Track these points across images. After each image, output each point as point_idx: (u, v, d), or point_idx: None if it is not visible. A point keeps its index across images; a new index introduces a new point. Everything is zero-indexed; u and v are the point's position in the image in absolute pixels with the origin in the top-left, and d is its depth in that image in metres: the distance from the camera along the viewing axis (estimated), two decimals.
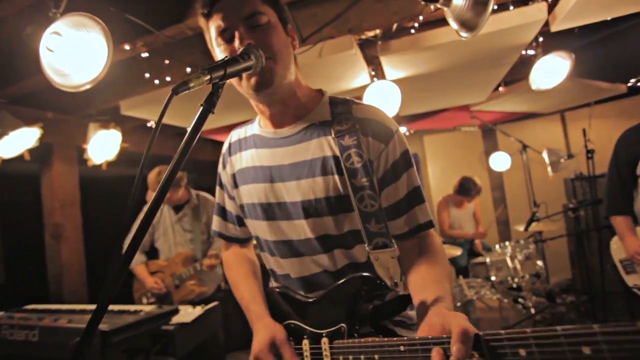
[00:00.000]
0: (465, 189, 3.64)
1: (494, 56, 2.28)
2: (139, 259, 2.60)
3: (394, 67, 2.35)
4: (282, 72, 0.82)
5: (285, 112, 0.88)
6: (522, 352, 0.49)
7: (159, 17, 1.74)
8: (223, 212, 1.07)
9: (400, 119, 3.98)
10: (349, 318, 0.76)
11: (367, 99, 2.40)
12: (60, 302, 2.69)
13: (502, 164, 4.25)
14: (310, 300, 0.86)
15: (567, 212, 3.21)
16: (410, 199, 0.85)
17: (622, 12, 1.73)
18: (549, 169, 3.34)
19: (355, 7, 1.92)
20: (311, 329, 0.81)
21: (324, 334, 0.78)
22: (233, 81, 0.81)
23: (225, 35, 0.81)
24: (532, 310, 2.57)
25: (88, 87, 1.45)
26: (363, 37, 2.12)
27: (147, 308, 1.78)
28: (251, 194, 0.93)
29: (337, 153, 0.83)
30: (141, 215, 2.69)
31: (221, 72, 0.65)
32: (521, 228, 3.28)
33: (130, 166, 3.76)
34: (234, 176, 0.99)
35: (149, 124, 3.27)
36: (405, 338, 0.62)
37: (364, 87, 2.49)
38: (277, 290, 0.95)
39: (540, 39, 2.23)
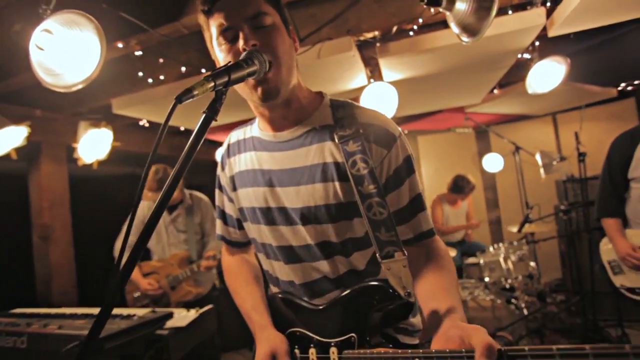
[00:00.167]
0: (459, 186, 3.68)
1: (491, 60, 2.29)
2: None
3: (392, 69, 2.34)
4: (286, 78, 0.80)
5: (286, 115, 0.86)
6: None
7: (153, 15, 1.70)
8: (223, 216, 1.05)
9: (396, 119, 3.96)
10: (359, 328, 0.75)
11: (365, 100, 2.39)
12: (48, 305, 2.63)
13: (495, 165, 4.29)
14: (317, 307, 0.84)
15: (559, 214, 3.26)
16: (413, 206, 0.84)
17: (620, 18, 1.75)
18: (542, 170, 3.39)
19: (354, 8, 1.90)
20: (318, 338, 0.80)
21: (332, 343, 0.77)
22: (236, 87, 0.79)
23: (228, 34, 0.78)
24: (525, 312, 2.60)
25: (80, 87, 1.40)
26: (361, 38, 2.11)
27: (140, 312, 1.74)
28: (250, 197, 0.92)
29: (340, 159, 0.81)
30: (134, 216, 2.66)
31: (225, 79, 0.63)
32: (514, 229, 3.32)
33: (121, 165, 3.69)
34: (232, 178, 0.98)
35: (141, 123, 3.21)
36: (421, 351, 0.60)
37: (361, 89, 2.48)
38: (280, 296, 0.93)
39: (537, 43, 2.24)
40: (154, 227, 0.55)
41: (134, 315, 1.69)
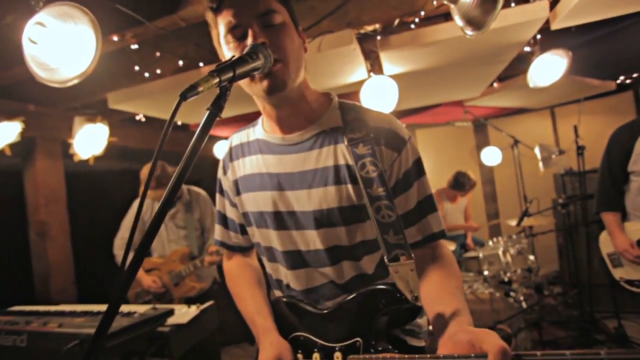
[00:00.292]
0: (460, 183, 3.67)
1: (493, 53, 2.27)
2: (131, 257, 2.54)
3: (393, 63, 2.31)
4: (294, 76, 0.78)
5: (294, 116, 0.85)
6: None
7: (150, 8, 1.65)
8: (224, 221, 1.02)
9: (394, 113, 3.94)
10: (364, 332, 0.74)
11: (364, 94, 2.36)
12: (47, 302, 2.61)
13: (494, 158, 4.29)
14: (321, 311, 0.83)
15: (558, 207, 3.27)
16: (422, 207, 0.83)
17: (624, 11, 1.73)
18: (541, 164, 3.39)
19: (354, 0, 1.86)
20: (322, 342, 0.79)
21: (337, 348, 0.76)
22: (241, 82, 0.76)
23: (236, 32, 0.76)
24: (524, 304, 2.63)
25: (75, 82, 1.37)
26: (362, 31, 2.07)
27: (141, 309, 1.74)
28: (257, 202, 0.89)
29: (351, 162, 0.80)
30: (130, 211, 2.64)
31: (230, 74, 0.61)
32: (512, 223, 3.33)
33: (118, 160, 3.65)
34: (236, 183, 0.95)
35: (137, 118, 3.16)
36: (429, 356, 0.59)
37: (360, 82, 2.45)
38: (284, 300, 0.91)
39: (538, 36, 2.22)
40: (158, 226, 0.54)
41: (135, 312, 1.68)
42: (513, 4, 1.78)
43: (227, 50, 0.79)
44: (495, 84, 3.41)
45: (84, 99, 2.60)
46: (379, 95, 2.38)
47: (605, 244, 2.28)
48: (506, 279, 2.83)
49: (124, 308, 1.79)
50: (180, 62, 2.14)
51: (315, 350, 0.79)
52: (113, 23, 1.72)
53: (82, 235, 3.12)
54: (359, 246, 0.84)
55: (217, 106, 0.60)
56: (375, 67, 2.42)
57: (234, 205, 0.98)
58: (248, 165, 0.92)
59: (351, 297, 0.79)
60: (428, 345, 0.96)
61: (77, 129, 2.63)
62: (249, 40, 0.74)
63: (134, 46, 1.94)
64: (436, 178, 4.77)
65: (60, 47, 1.34)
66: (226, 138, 0.99)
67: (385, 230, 0.74)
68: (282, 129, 0.87)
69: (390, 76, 2.36)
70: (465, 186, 3.69)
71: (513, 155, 3.96)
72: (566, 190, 3.64)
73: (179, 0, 1.65)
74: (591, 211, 2.98)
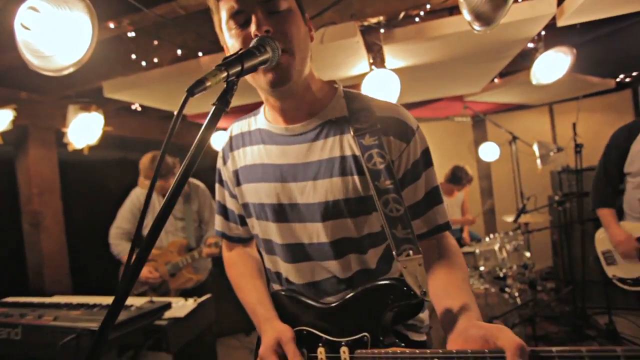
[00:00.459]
0: (457, 177, 3.68)
1: (497, 49, 2.24)
2: (127, 248, 2.52)
3: (395, 56, 2.28)
4: (300, 67, 0.75)
5: (299, 107, 0.82)
6: None
7: None
8: (225, 211, 1.00)
9: None
10: (372, 327, 0.73)
11: (366, 88, 2.33)
12: (41, 293, 2.58)
13: (491, 154, 4.30)
14: (326, 306, 0.81)
15: (555, 205, 3.29)
16: (429, 199, 0.82)
17: (630, 9, 1.71)
18: (539, 161, 3.40)
19: None
20: (327, 337, 0.78)
21: (343, 343, 0.75)
22: (247, 76, 0.74)
23: (239, 18, 0.73)
24: (519, 301, 2.66)
25: (70, 70, 1.32)
26: (365, 23, 2.03)
27: (138, 302, 1.72)
28: (258, 193, 0.87)
29: (357, 152, 0.77)
30: (127, 201, 2.60)
31: (238, 68, 0.59)
32: (508, 219, 3.35)
33: (113, 150, 3.59)
34: (236, 173, 0.93)
35: (133, 107, 3.10)
36: (440, 351, 0.59)
37: (362, 76, 2.41)
38: (283, 293, 0.90)
39: (542, 33, 2.19)
40: (164, 221, 0.53)
41: (132, 305, 1.66)
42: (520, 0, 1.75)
43: (228, 38, 0.76)
44: (496, 80, 3.39)
45: (78, 87, 2.53)
46: (381, 89, 2.35)
47: (601, 242, 2.30)
48: (502, 275, 2.86)
49: None
50: (179, 51, 2.08)
51: (320, 344, 0.78)
52: (109, 9, 1.66)
53: (77, 225, 3.08)
54: (366, 238, 0.83)
55: (223, 101, 0.58)
56: (377, 60, 2.38)
57: (233, 196, 0.96)
58: (249, 156, 0.90)
59: (357, 291, 0.77)
60: (430, 340, 0.96)
61: (71, 118, 2.57)
62: (253, 28, 0.71)
63: (131, 34, 1.88)
64: None
65: (55, 34, 1.29)
66: (224, 129, 0.96)
67: (394, 225, 0.72)
68: (286, 119, 0.84)
69: (392, 70, 2.33)
70: (462, 180, 3.71)
71: (511, 151, 3.96)
72: (562, 188, 3.66)
73: None
74: (587, 209, 3.01)
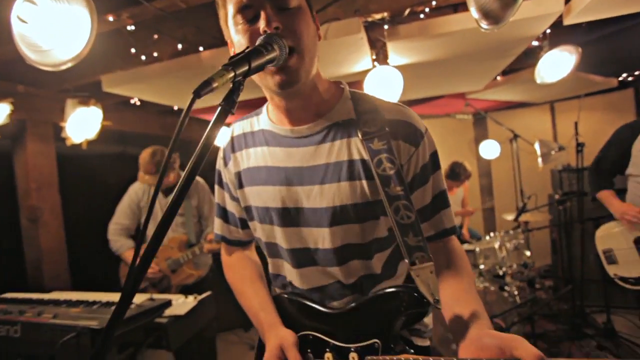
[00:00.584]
0: (456, 173, 3.68)
1: (502, 47, 2.22)
2: (127, 243, 2.51)
3: (399, 53, 2.25)
4: (308, 68, 0.74)
5: (305, 107, 0.80)
6: None
7: None
8: (224, 214, 0.98)
9: None
10: (383, 334, 0.72)
11: (368, 84, 2.30)
12: (40, 289, 2.57)
13: (492, 152, 4.29)
14: (333, 311, 0.80)
15: (556, 204, 3.29)
16: (437, 203, 0.81)
17: (638, 8, 1.69)
18: (540, 160, 3.39)
19: None
20: (335, 342, 0.77)
21: (352, 349, 0.74)
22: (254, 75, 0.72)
23: (247, 13, 0.70)
24: (518, 299, 2.67)
25: (68, 65, 1.29)
26: (369, 19, 2.00)
27: (138, 300, 1.71)
28: (262, 196, 0.85)
29: (366, 157, 0.76)
30: (126, 196, 2.57)
31: (245, 68, 0.58)
32: (508, 217, 3.35)
33: (112, 144, 3.56)
34: (239, 175, 0.90)
35: (132, 101, 3.06)
36: (454, 359, 0.58)
37: (362, 72, 2.39)
38: (286, 297, 0.88)
39: (548, 31, 2.17)
40: (172, 217, 0.52)
41: (132, 303, 1.65)
42: None
43: (234, 33, 0.74)
44: (498, 78, 3.37)
45: (76, 80, 2.50)
46: (383, 87, 2.32)
47: (602, 240, 2.30)
48: (501, 273, 2.86)
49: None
50: (179, 46, 2.05)
51: (327, 350, 0.77)
52: (109, 2, 1.63)
53: (75, 220, 3.06)
54: (372, 243, 0.82)
55: (229, 102, 0.56)
56: (380, 56, 2.35)
57: (234, 198, 0.94)
58: (252, 158, 0.87)
59: (368, 297, 0.77)
60: (433, 346, 0.96)
61: (69, 112, 2.53)
62: (262, 24, 0.69)
63: (131, 27, 1.84)
64: None
65: (53, 27, 1.25)
66: (227, 125, 0.94)
67: (405, 232, 0.71)
68: (291, 120, 0.82)
69: (395, 67, 2.30)
70: (461, 176, 3.71)
71: (511, 149, 3.95)
72: (563, 187, 3.66)
73: None
74: (588, 208, 3.02)
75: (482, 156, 4.47)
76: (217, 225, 1.00)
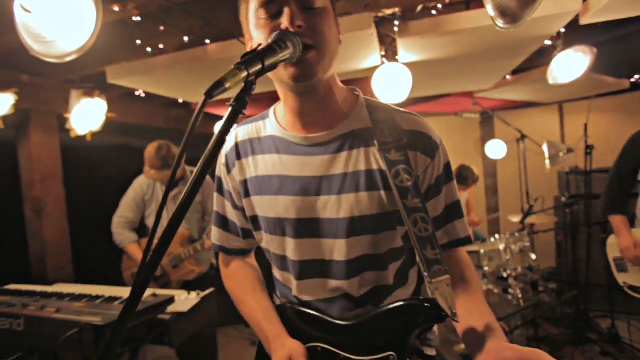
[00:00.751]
0: (463, 177, 3.64)
1: (514, 46, 2.17)
2: (130, 237, 2.49)
3: (409, 50, 2.20)
4: (326, 66, 0.72)
5: (320, 112, 0.77)
6: None
7: None
8: (224, 223, 0.92)
9: (403, 101, 3.86)
10: (398, 346, 0.70)
11: (376, 81, 2.26)
12: (44, 281, 2.57)
13: (498, 152, 4.23)
14: (344, 323, 0.78)
15: (564, 207, 3.25)
16: (449, 213, 0.80)
17: None
18: (547, 162, 3.34)
19: None
20: (347, 355, 0.75)
21: None
22: None
23: (271, 8, 0.68)
24: (522, 302, 2.65)
25: (73, 57, 1.27)
26: (380, 14, 1.96)
27: None
28: (274, 207, 0.81)
29: (384, 167, 0.74)
30: (131, 190, 2.56)
31: (259, 66, 0.55)
32: (514, 219, 3.32)
33: (117, 136, 3.54)
34: (244, 183, 0.85)
35: (137, 93, 3.04)
36: None
37: (370, 69, 2.34)
38: (292, 307, 0.85)
39: (562, 30, 2.11)
40: (184, 214, 0.53)
41: (141, 299, 1.64)
42: None
43: (254, 28, 0.72)
44: (508, 77, 3.31)
45: (81, 71, 2.47)
46: (392, 84, 2.28)
47: (612, 248, 2.27)
48: (505, 276, 2.84)
49: (123, 293, 1.75)
50: (186, 38, 2.01)
51: None
52: None
53: (79, 212, 3.06)
54: (388, 254, 0.80)
55: (241, 102, 0.54)
56: (390, 53, 2.31)
57: (237, 207, 0.89)
58: (261, 166, 0.83)
59: (383, 310, 0.75)
60: (439, 354, 0.95)
61: (73, 103, 2.51)
62: (284, 21, 0.66)
63: (136, 18, 1.81)
64: None
65: (57, 18, 1.23)
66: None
67: (424, 245, 0.70)
68: (305, 127, 0.79)
69: (404, 64, 2.26)
70: (468, 180, 3.66)
71: (518, 150, 3.90)
72: (570, 189, 3.61)
73: None
74: (595, 211, 2.97)
75: (488, 156, 4.42)
76: (215, 235, 0.95)
